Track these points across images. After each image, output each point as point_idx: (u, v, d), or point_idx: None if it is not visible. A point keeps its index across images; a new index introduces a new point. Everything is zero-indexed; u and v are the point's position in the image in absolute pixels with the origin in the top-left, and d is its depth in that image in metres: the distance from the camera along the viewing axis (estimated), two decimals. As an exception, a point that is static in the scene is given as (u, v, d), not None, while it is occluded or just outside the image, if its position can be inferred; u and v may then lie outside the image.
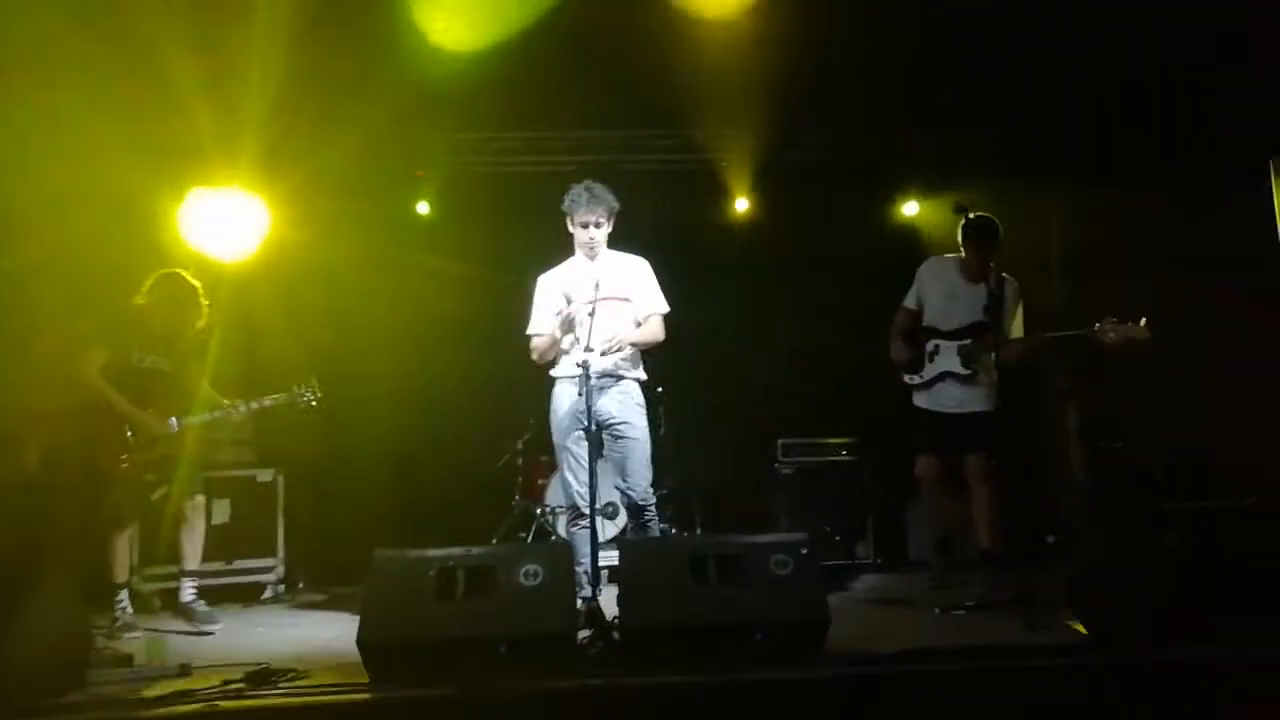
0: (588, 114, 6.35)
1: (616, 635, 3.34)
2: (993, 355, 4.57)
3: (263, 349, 5.68)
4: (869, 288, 5.56)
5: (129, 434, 4.38)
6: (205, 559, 4.65)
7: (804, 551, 3.29)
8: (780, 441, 6.30)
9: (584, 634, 3.40)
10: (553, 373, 4.33)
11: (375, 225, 6.37)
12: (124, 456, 4.35)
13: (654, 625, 3.17)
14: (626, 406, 4.18)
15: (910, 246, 6.56)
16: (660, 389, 6.23)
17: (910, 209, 6.98)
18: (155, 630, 4.46)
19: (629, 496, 4.16)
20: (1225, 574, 3.24)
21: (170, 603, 4.81)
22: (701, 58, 5.17)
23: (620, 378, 4.19)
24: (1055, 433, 6.19)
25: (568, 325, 4.15)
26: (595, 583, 3.77)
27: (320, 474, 6.07)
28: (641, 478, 4.17)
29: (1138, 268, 5.81)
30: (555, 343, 4.25)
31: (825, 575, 4.48)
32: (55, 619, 3.12)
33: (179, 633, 4.39)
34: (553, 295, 4.31)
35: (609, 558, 4.33)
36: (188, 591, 4.53)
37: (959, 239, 4.71)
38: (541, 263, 4.51)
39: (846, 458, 6.28)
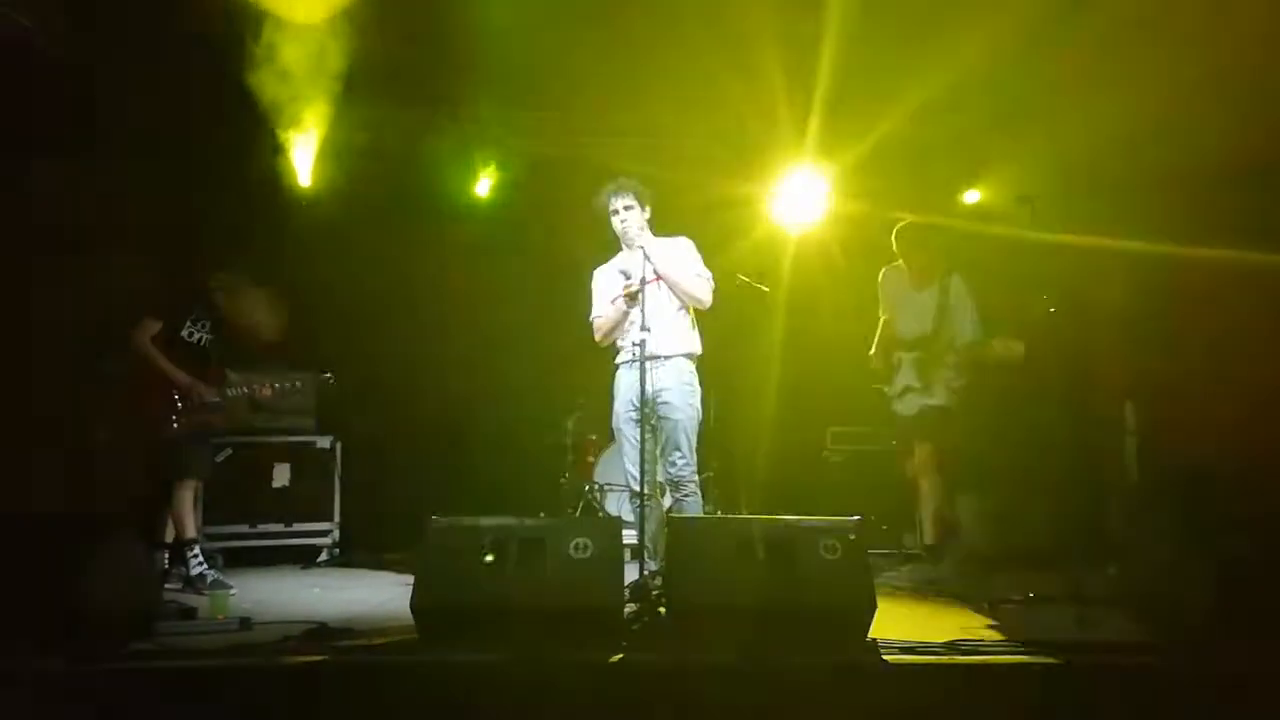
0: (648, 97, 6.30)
1: (663, 612, 3.35)
2: (949, 367, 4.69)
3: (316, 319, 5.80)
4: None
5: (176, 398, 4.58)
6: (263, 520, 4.76)
7: (852, 537, 3.26)
8: (830, 429, 6.26)
9: (630, 609, 3.42)
10: (616, 359, 4.39)
11: (436, 202, 6.43)
12: (175, 418, 4.56)
13: (700, 604, 3.17)
14: (672, 383, 4.21)
15: (975, 234, 6.40)
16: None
17: (971, 196, 6.83)
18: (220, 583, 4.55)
19: (668, 471, 4.17)
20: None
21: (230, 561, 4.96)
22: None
23: (669, 356, 4.21)
24: (1110, 431, 6.05)
25: (631, 300, 4.15)
26: (643, 562, 3.80)
27: (376, 443, 6.18)
28: (683, 453, 4.19)
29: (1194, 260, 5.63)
30: (617, 323, 4.28)
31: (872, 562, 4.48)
32: (125, 574, 3.22)
33: (295, 594, 4.50)
34: (608, 280, 4.36)
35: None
36: (194, 562, 4.60)
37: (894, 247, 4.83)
38: (600, 245, 4.52)
39: (895, 447, 6.20)
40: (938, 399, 4.74)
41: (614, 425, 4.33)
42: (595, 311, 4.41)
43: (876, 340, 5.01)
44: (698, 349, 4.35)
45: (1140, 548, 3.58)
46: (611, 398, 4.37)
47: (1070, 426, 4.76)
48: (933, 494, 4.68)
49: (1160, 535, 3.48)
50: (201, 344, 4.74)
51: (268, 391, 4.85)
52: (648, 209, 4.31)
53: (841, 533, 3.26)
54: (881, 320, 5.02)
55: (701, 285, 4.27)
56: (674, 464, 4.17)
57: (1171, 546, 3.47)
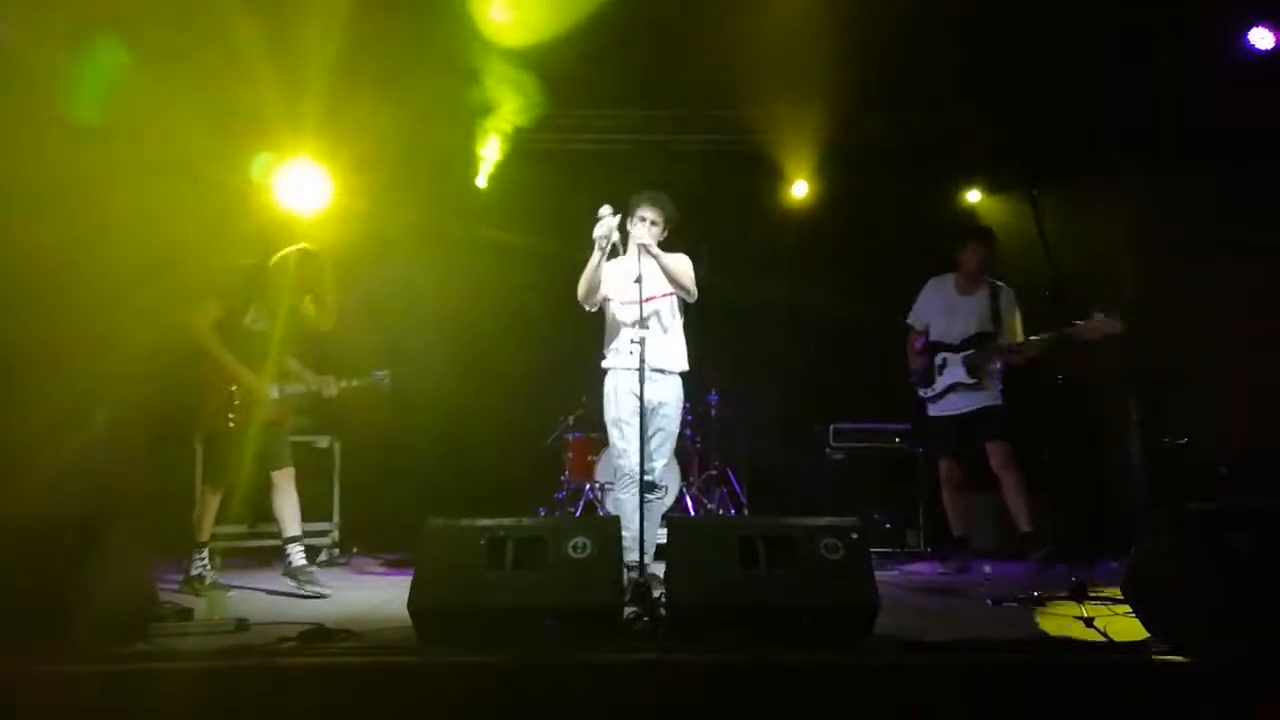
0: (643, 92, 6.31)
1: (663, 612, 3.33)
2: (997, 363, 4.96)
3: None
4: (926, 275, 5.46)
5: (236, 396, 4.40)
6: (261, 521, 4.72)
7: (855, 536, 3.24)
8: (832, 427, 6.24)
9: (630, 609, 3.40)
10: (606, 364, 4.47)
11: (433, 199, 6.41)
12: (230, 415, 4.37)
13: (701, 603, 3.15)
14: (672, 398, 4.43)
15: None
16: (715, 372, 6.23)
17: (972, 197, 6.82)
18: (268, 590, 4.53)
19: (651, 473, 4.24)
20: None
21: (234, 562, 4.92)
22: (763, 35, 5.11)
23: (669, 372, 4.42)
24: (1113, 426, 6.03)
25: (605, 242, 4.24)
26: (642, 557, 3.80)
27: (376, 443, 6.16)
28: (664, 459, 4.43)
29: (1206, 254, 5.63)
30: (593, 283, 4.36)
31: (874, 561, 4.47)
32: (120, 573, 3.20)
33: (291, 595, 4.42)
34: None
35: (658, 536, 4.36)
36: (298, 555, 4.53)
37: (959, 247, 5.10)
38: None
39: (899, 445, 6.19)
40: (994, 398, 5.00)
41: (614, 419, 4.38)
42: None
43: (908, 345, 5.32)
44: (685, 364, 4.52)
45: (1144, 543, 3.55)
46: (605, 398, 4.43)
47: (1072, 420, 4.78)
48: (1021, 485, 4.86)
49: (1164, 530, 3.45)
50: (267, 333, 4.49)
51: (333, 390, 4.63)
52: (666, 233, 4.45)
53: (843, 532, 3.24)
54: (916, 326, 5.32)
55: (690, 282, 4.44)
56: (653, 470, 4.26)
57: (1176, 542, 3.45)
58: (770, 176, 6.81)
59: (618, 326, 4.44)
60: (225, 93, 5.24)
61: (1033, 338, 4.77)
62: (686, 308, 4.52)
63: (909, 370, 5.35)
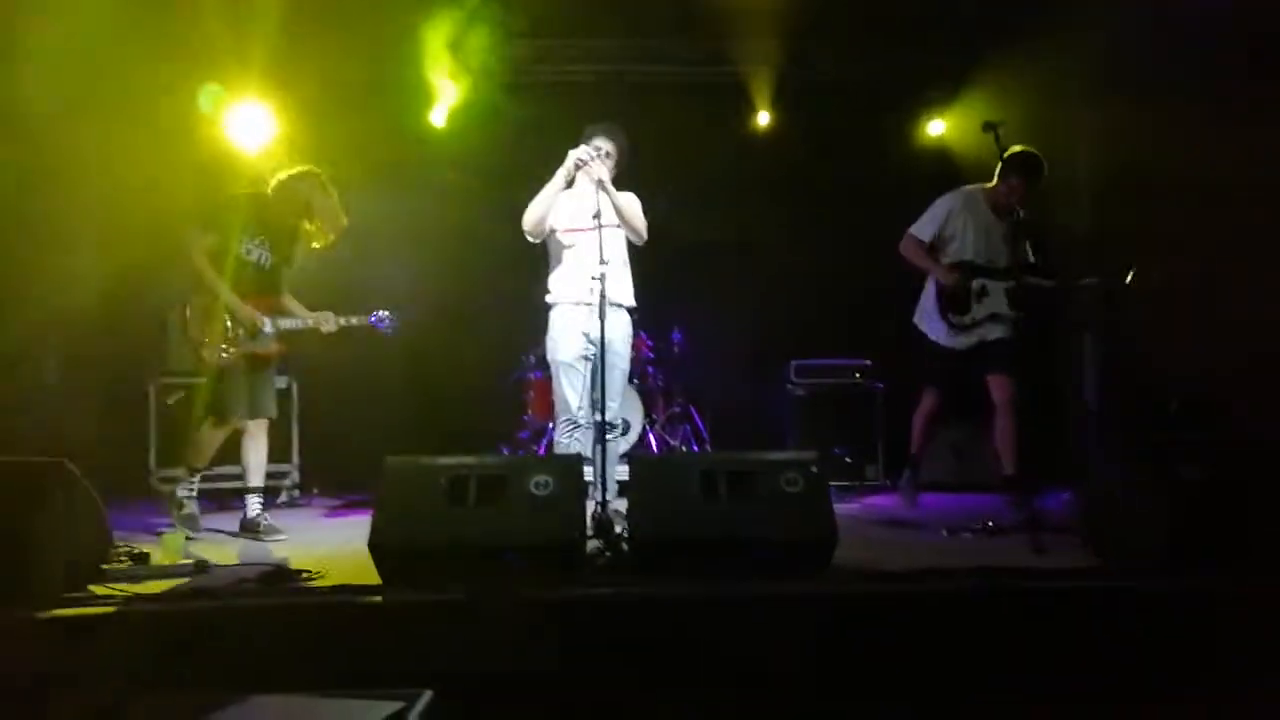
0: (606, 21, 6.17)
1: (626, 547, 3.35)
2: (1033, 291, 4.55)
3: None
4: (889, 208, 5.43)
5: (229, 326, 4.27)
6: (221, 461, 4.64)
7: (814, 470, 3.26)
8: (793, 363, 6.28)
9: (594, 545, 3.41)
10: (552, 299, 4.40)
11: (388, 136, 6.23)
12: (225, 347, 4.25)
13: (663, 538, 3.17)
14: (621, 333, 4.37)
15: (935, 167, 6.41)
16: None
17: (936, 128, 6.79)
18: (230, 532, 4.47)
19: (608, 413, 4.20)
20: (1239, 506, 3.20)
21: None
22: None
23: (619, 305, 4.34)
24: (1070, 361, 6.11)
25: (579, 167, 4.23)
26: (604, 494, 3.81)
27: (335, 382, 6.08)
28: (618, 400, 4.40)
29: (1168, 196, 5.64)
30: (549, 205, 4.32)
31: (834, 495, 4.54)
32: (73, 517, 3.14)
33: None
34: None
35: (619, 473, 4.40)
36: (254, 506, 4.45)
37: (999, 172, 4.60)
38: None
39: (859, 380, 6.25)
40: (1007, 329, 4.69)
41: (560, 360, 4.34)
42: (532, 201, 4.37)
43: (917, 257, 4.82)
44: (633, 300, 4.46)
45: (1095, 474, 3.63)
46: (550, 337, 4.38)
47: (1030, 357, 4.79)
48: (1017, 427, 4.65)
49: (1115, 461, 3.52)
50: (262, 263, 4.38)
51: (332, 327, 4.46)
52: (617, 169, 4.37)
53: (802, 465, 3.26)
54: (911, 239, 4.82)
55: (643, 227, 4.39)
56: (611, 409, 4.24)
57: (1126, 472, 3.53)
58: (731, 109, 6.74)
59: (565, 259, 4.36)
60: (173, 22, 5.04)
61: (1087, 280, 4.57)
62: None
63: (932, 297, 4.83)
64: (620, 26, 6.29)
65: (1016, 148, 4.47)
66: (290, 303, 4.55)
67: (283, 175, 4.38)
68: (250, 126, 5.80)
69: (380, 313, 4.61)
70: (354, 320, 4.56)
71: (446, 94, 6.28)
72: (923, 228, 4.82)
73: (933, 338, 4.83)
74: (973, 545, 3.99)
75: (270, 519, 4.47)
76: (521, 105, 6.28)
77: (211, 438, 4.38)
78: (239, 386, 4.32)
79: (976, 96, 6.34)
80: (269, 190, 4.39)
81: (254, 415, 4.43)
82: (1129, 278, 4.34)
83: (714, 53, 6.50)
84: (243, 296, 4.29)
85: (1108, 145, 6.04)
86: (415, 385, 6.38)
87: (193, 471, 4.43)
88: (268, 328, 4.37)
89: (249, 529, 4.41)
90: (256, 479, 4.50)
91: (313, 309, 4.53)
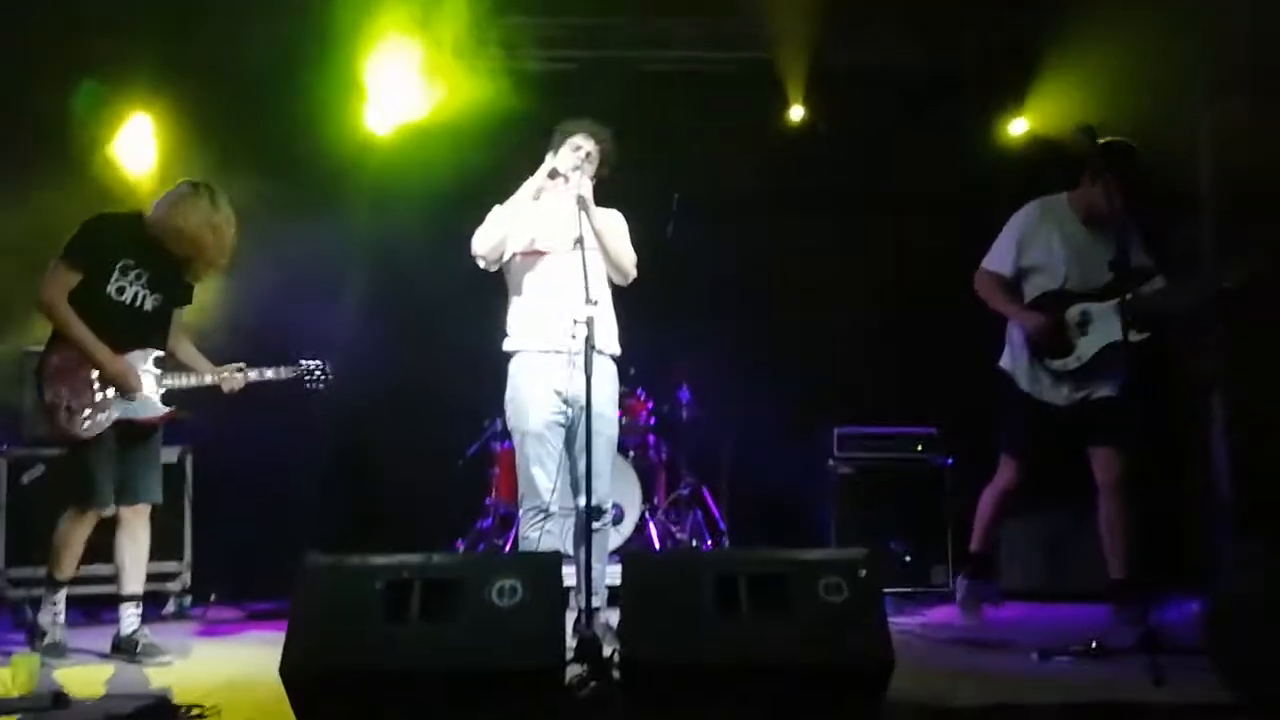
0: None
1: (617, 674, 3.34)
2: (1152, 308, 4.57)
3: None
4: (960, 228, 5.51)
5: (96, 385, 4.27)
6: (89, 560, 4.63)
7: (863, 573, 3.26)
8: (836, 431, 6.29)
9: (575, 671, 3.40)
10: (513, 344, 4.40)
11: (311, 145, 6.30)
12: (86, 416, 4.23)
13: (666, 662, 3.15)
14: (608, 390, 4.35)
15: (1018, 175, 6.47)
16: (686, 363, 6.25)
17: (1018, 127, 6.88)
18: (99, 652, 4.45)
19: (593, 495, 4.20)
20: None
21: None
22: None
23: (602, 352, 4.28)
24: (1195, 426, 6.13)
25: (552, 177, 4.28)
26: (589, 602, 3.80)
27: (241, 456, 6.09)
28: (608, 474, 4.37)
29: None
30: (509, 231, 4.32)
31: (890, 605, 4.53)
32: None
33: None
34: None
35: (609, 574, 4.39)
36: (130, 618, 4.43)
37: (1088, 170, 4.67)
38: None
39: (921, 455, 6.25)
40: (1117, 386, 4.67)
41: (522, 429, 4.32)
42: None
43: (995, 297, 4.88)
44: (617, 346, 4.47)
45: (1232, 582, 3.63)
46: (510, 396, 4.38)
47: (1143, 424, 4.80)
48: (1129, 515, 4.66)
49: (1257, 566, 3.53)
50: (140, 305, 4.39)
51: (239, 383, 4.46)
52: (598, 177, 4.42)
53: (847, 568, 3.26)
54: (987, 276, 4.91)
55: (630, 260, 4.42)
56: (601, 488, 4.23)
57: (1268, 578, 3.52)
58: (759, 104, 6.84)
59: (530, 292, 4.35)
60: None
61: (1232, 275, 4.40)
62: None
63: (1021, 338, 4.84)
64: (620, 3, 6.41)
65: (1105, 139, 4.49)
66: (186, 353, 4.58)
67: (165, 193, 4.42)
68: (135, 139, 5.90)
69: (307, 362, 4.63)
70: (270, 374, 4.57)
71: (389, 91, 6.35)
72: (998, 259, 4.88)
73: (1024, 387, 4.84)
74: (1071, 673, 3.97)
75: (151, 635, 4.44)
76: (494, 100, 6.37)
77: (73, 533, 4.35)
78: (106, 464, 4.31)
79: (1069, 90, 6.44)
80: (148, 213, 4.41)
81: (129, 501, 4.43)
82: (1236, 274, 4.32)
83: (733, 34, 6.63)
84: (116, 347, 4.30)
85: (1238, 151, 6.13)
86: (346, 460, 6.39)
87: (55, 585, 4.41)
88: (149, 387, 4.38)
89: (124, 649, 4.39)
90: (133, 584, 4.48)
91: (219, 362, 4.57)
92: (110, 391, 4.30)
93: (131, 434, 4.40)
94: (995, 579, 5.53)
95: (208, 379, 4.50)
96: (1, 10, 5.18)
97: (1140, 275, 4.63)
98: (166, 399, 4.45)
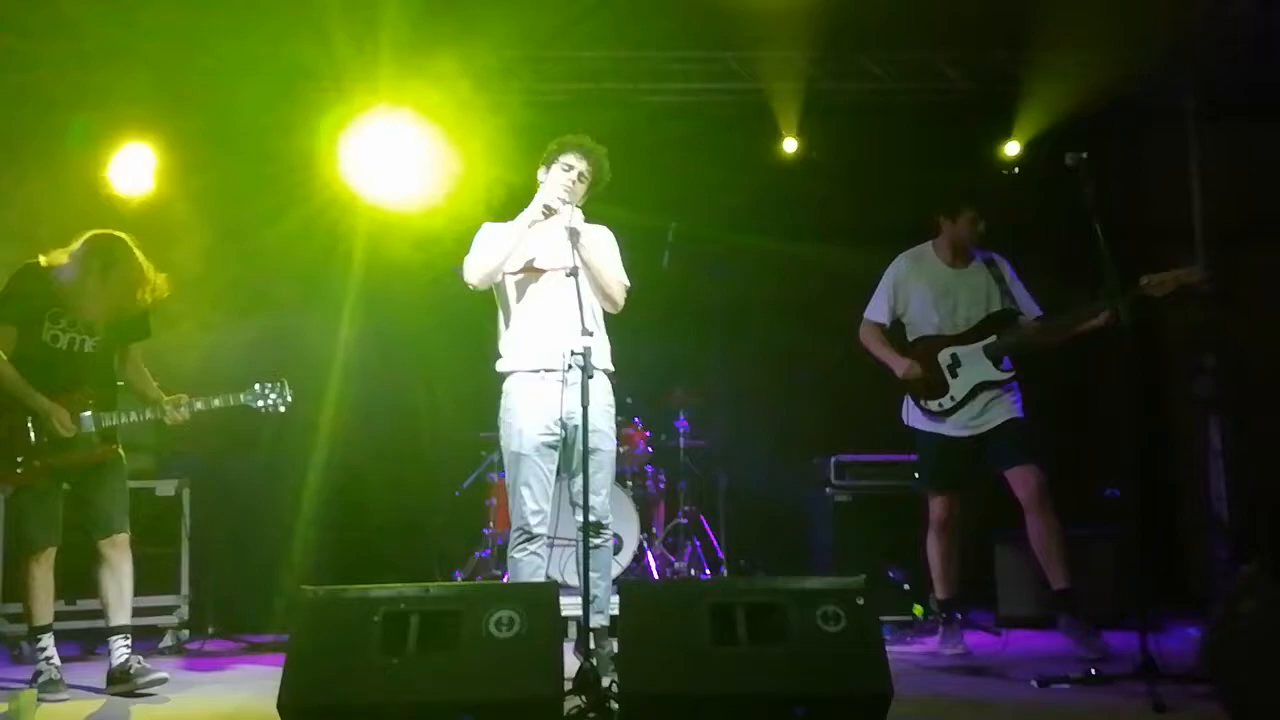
0: (593, 29, 6.33)
1: (614, 705, 3.33)
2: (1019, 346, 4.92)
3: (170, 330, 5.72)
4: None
5: (32, 432, 4.31)
6: (84, 593, 4.62)
7: (860, 601, 3.26)
8: (833, 459, 6.27)
9: (574, 703, 3.39)
10: (507, 365, 4.37)
11: (303, 181, 6.32)
12: (19, 459, 4.29)
13: (664, 693, 3.14)
14: (603, 409, 4.32)
15: (1015, 203, 6.50)
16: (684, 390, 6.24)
17: (1011, 149, 6.92)
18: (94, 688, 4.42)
19: (593, 512, 4.17)
20: None
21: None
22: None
23: (596, 368, 4.20)
24: (1193, 452, 6.14)
25: (548, 213, 4.23)
26: (587, 636, 3.78)
27: (238, 488, 6.08)
28: (606, 492, 4.36)
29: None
30: (506, 254, 4.28)
31: (888, 633, 4.52)
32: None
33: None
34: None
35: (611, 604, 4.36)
36: (120, 650, 4.42)
37: (944, 209, 5.03)
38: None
39: (919, 482, 6.24)
40: (1016, 409, 4.95)
41: (511, 448, 4.30)
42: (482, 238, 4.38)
43: (876, 345, 5.17)
44: (610, 363, 4.45)
45: (1231, 607, 3.61)
46: (505, 419, 4.33)
47: (1135, 447, 4.81)
48: (1059, 526, 4.82)
49: (1254, 590, 3.52)
50: (78, 348, 4.44)
51: (183, 414, 4.45)
52: (587, 197, 4.42)
53: (846, 596, 3.26)
54: (867, 325, 5.22)
55: (621, 286, 4.40)
56: (598, 506, 4.23)
57: (1268, 605, 3.51)
58: (753, 132, 6.88)
59: (524, 311, 4.34)
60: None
61: (1092, 305, 4.60)
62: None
63: (906, 386, 5.15)
64: (610, 35, 6.44)
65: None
66: (138, 386, 4.60)
67: (74, 245, 4.43)
68: (131, 168, 5.92)
69: (261, 386, 4.56)
70: (218, 402, 4.53)
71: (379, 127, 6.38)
72: (875, 310, 5.22)
73: (920, 427, 5.10)
74: (1071, 700, 3.95)
75: (143, 663, 4.43)
76: (488, 130, 6.41)
77: (33, 576, 4.38)
78: (44, 506, 4.36)
79: (1056, 121, 6.49)
80: (66, 259, 4.41)
81: (99, 535, 4.45)
82: (1143, 282, 4.39)
83: (726, 65, 6.67)
84: (56, 391, 4.35)
85: (1228, 179, 6.18)
86: (342, 492, 6.37)
87: (34, 630, 4.41)
88: (88, 425, 4.39)
89: (118, 680, 4.37)
90: (120, 616, 4.48)
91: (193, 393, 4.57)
92: (45, 436, 4.32)
93: (85, 472, 4.43)
94: (993, 609, 5.62)
95: (148, 413, 4.51)
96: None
97: (1005, 316, 4.97)
98: (106, 436, 4.46)
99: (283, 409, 4.60)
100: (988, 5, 6.06)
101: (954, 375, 4.99)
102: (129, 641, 4.47)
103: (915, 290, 5.13)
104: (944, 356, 5.01)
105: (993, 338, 4.93)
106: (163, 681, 4.31)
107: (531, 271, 4.34)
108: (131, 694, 4.29)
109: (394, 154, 5.85)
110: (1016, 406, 4.96)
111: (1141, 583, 4.67)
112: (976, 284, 5.04)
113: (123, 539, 4.51)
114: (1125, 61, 6.15)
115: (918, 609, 5.09)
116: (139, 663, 4.40)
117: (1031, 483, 4.82)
